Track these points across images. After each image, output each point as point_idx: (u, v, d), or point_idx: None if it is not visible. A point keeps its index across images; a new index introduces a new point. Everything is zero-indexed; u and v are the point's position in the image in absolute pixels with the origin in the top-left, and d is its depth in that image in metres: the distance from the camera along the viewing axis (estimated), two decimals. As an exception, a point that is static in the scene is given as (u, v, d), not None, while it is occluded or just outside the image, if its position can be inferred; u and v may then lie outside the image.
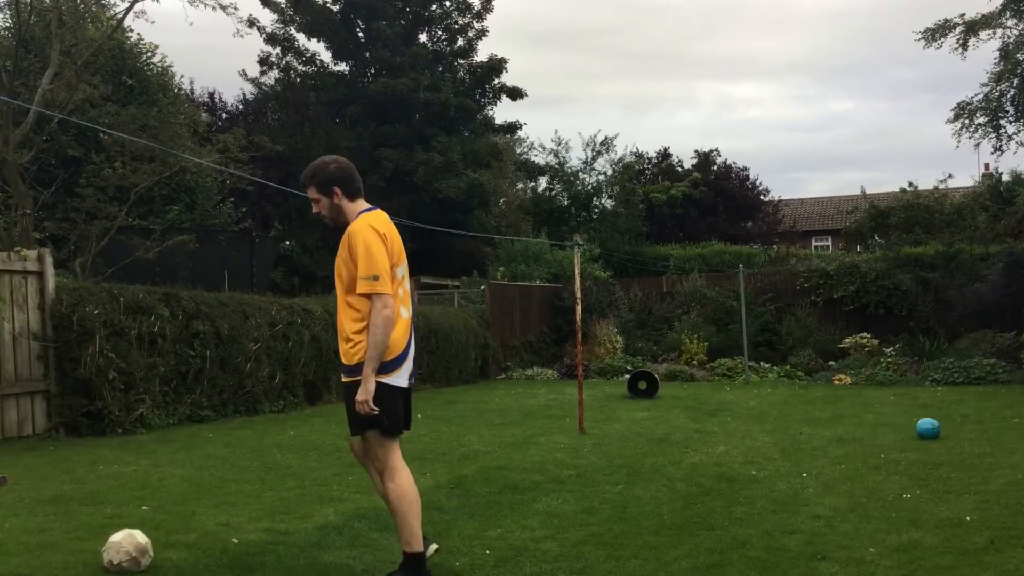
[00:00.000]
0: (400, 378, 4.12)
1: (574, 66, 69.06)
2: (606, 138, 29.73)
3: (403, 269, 4.18)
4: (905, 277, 18.04)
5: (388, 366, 4.05)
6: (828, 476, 6.84)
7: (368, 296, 3.99)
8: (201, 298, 11.21)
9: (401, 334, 4.10)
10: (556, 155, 29.95)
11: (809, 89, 75.48)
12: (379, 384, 4.03)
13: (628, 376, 14.39)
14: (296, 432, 9.80)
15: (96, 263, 13.46)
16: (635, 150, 33.21)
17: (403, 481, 4.14)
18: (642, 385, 13.54)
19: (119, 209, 14.10)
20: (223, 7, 14.96)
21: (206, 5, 14.78)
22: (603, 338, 18.49)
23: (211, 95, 26.33)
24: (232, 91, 51.25)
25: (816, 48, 75.20)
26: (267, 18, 26.82)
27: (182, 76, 31.11)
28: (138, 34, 19.10)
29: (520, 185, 33.66)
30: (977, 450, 7.91)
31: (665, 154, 34.47)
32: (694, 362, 17.52)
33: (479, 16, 26.62)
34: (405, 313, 4.14)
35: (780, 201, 35.69)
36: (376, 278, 3.97)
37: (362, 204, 4.22)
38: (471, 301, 19.16)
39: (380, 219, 4.14)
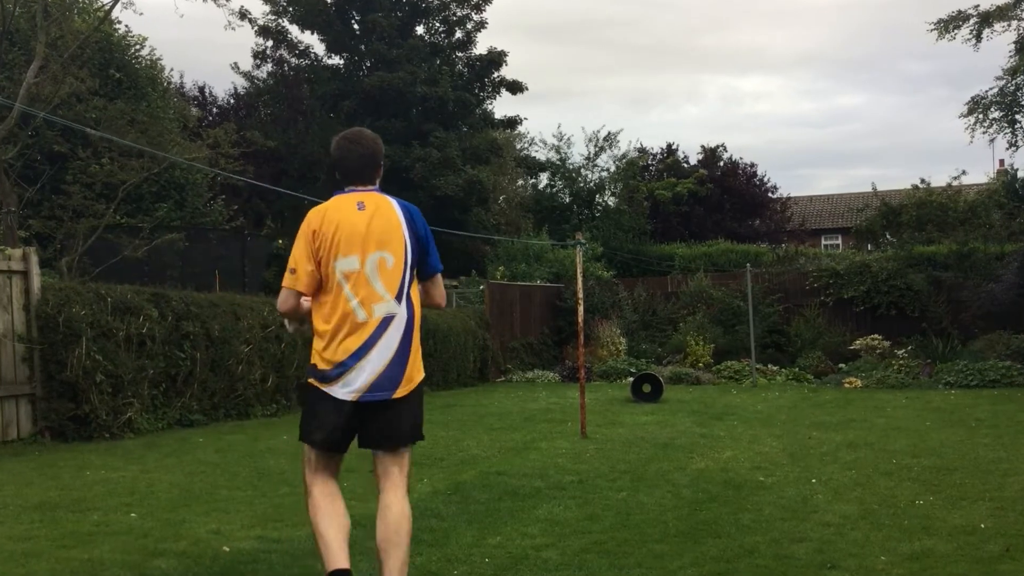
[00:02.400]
0: (341, 389, 3.67)
1: (576, 59, 69.09)
2: (609, 133, 29.75)
3: (353, 261, 3.66)
4: (917, 277, 18.04)
5: (327, 374, 3.68)
6: (838, 482, 6.84)
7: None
8: (191, 298, 11.21)
9: (345, 339, 3.66)
10: (557, 151, 29.96)
11: (818, 83, 75.52)
12: (313, 389, 3.75)
13: (632, 379, 14.39)
14: (289, 437, 9.78)
15: (83, 262, 13.46)
16: (639, 146, 33.23)
17: (313, 495, 3.79)
18: (646, 388, 13.54)
19: (106, 207, 14.10)
20: (214, -2, 14.97)
21: (196, -4, 14.78)
22: (606, 340, 18.49)
23: (201, 89, 26.35)
24: (223, 85, 51.12)
25: (825, 41, 75.25)
26: (259, 10, 26.86)
27: (171, 70, 31.04)
28: (126, 26, 19.13)
29: (520, 182, 33.66)
30: (992, 455, 7.92)
31: (670, 150, 34.48)
32: (700, 364, 17.52)
33: (478, 7, 26.63)
34: (362, 313, 3.65)
35: (789, 198, 35.68)
36: (292, 271, 3.75)
37: (340, 194, 3.83)
38: (470, 302, 19.16)
39: (327, 210, 3.75)
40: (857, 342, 17.39)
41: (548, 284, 20.84)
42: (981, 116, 22.49)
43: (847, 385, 15.23)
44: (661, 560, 4.78)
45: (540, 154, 30.39)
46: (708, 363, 17.54)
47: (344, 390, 3.67)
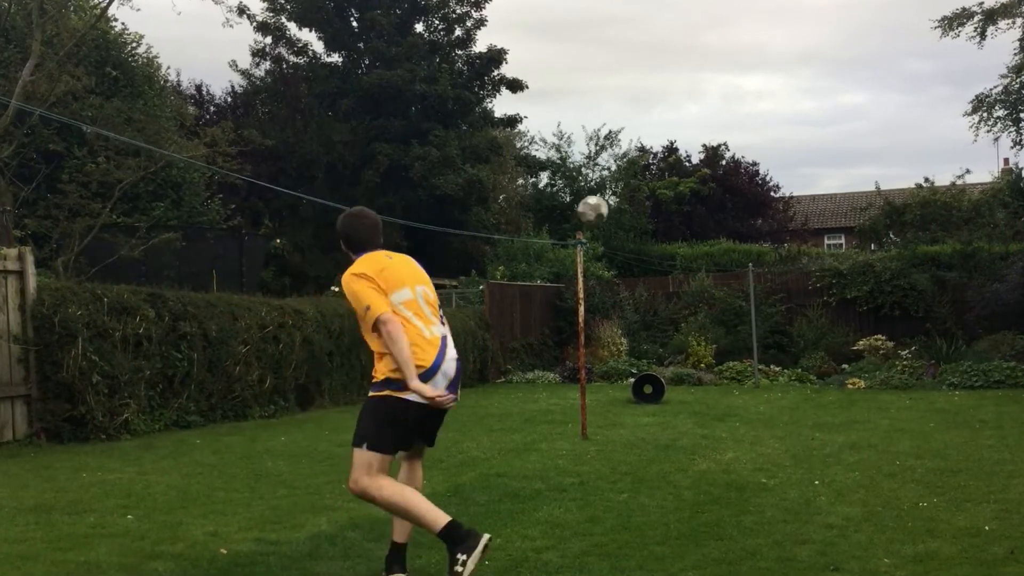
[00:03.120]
0: (414, 395, 4.26)
1: (576, 57, 69.08)
2: (610, 132, 29.77)
3: (407, 292, 4.41)
4: (921, 277, 18.04)
5: (403, 383, 4.25)
6: (841, 484, 6.84)
7: (373, 326, 4.32)
8: (188, 299, 11.21)
9: (422, 350, 4.31)
10: (558, 149, 29.97)
11: (820, 81, 75.55)
12: (389, 397, 4.30)
13: (633, 380, 14.39)
14: (287, 438, 9.80)
15: (79, 262, 13.47)
16: (640, 144, 33.24)
17: (389, 488, 4.33)
18: (647, 389, 13.54)
19: (103, 206, 14.11)
20: (212, -5, 14.96)
21: (194, -8, 14.81)
22: (607, 340, 18.48)
23: (198, 87, 26.37)
24: (220, 83, 51.19)
25: (827, 39, 75.26)
26: (257, 6, 26.85)
27: (168, 68, 31.10)
28: (123, 24, 19.20)
29: (520, 181, 33.67)
30: (996, 457, 7.92)
31: (671, 149, 34.50)
32: (701, 365, 17.51)
33: (477, 5, 26.64)
34: (428, 332, 4.38)
35: (791, 198, 35.70)
36: (368, 308, 4.32)
37: (364, 254, 4.51)
38: (469, 302, 19.16)
39: (365, 261, 4.46)
40: (860, 343, 17.39)
41: (548, 284, 20.84)
42: (985, 114, 22.51)
43: (850, 386, 15.23)
44: (662, 562, 4.78)
45: (540, 153, 30.42)
46: (710, 364, 17.53)
47: (434, 385, 4.29)
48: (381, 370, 4.39)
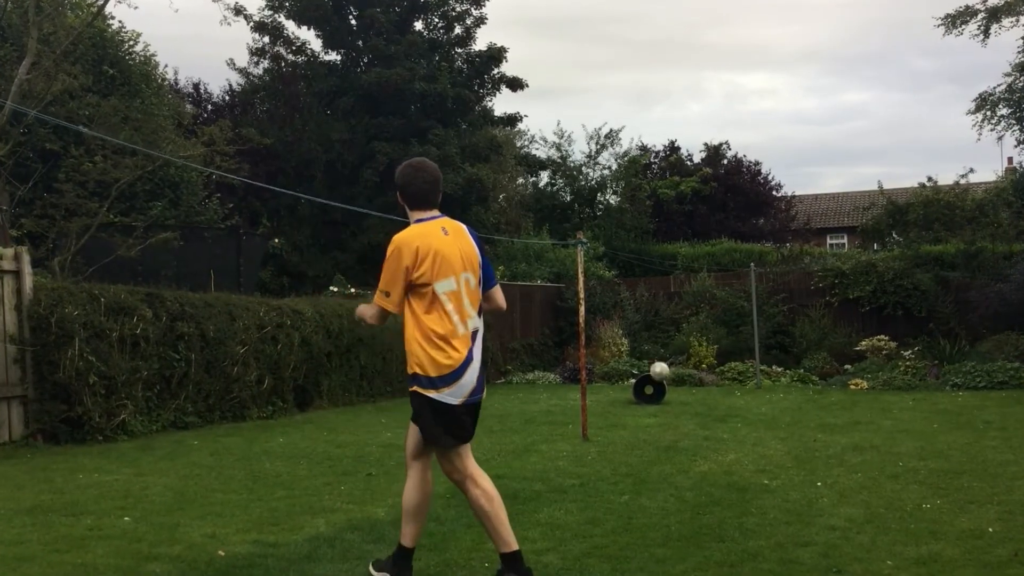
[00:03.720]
0: (449, 395, 4.27)
1: (577, 55, 69.11)
2: (611, 131, 29.75)
3: (452, 283, 4.27)
4: (924, 277, 18.04)
5: (436, 382, 4.26)
6: (844, 485, 6.84)
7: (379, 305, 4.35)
8: (186, 299, 11.21)
9: (453, 351, 4.26)
10: (558, 148, 29.97)
11: (823, 80, 75.61)
12: (422, 396, 4.31)
13: (634, 380, 14.39)
14: (285, 439, 9.80)
15: (76, 262, 13.45)
16: (641, 143, 33.25)
17: (485, 487, 4.41)
18: (648, 390, 13.54)
19: (100, 205, 14.09)
20: (210, -7, 14.97)
21: (192, -10, 14.79)
22: (607, 340, 18.48)
23: (196, 86, 26.33)
24: (218, 82, 51.17)
25: (830, 36, 75.27)
26: (255, 5, 26.83)
27: (166, 66, 31.07)
28: (120, 22, 19.17)
29: (520, 180, 33.66)
30: (1000, 458, 7.92)
31: (673, 147, 34.48)
32: (703, 366, 17.52)
33: (477, 2, 26.60)
34: (462, 328, 4.30)
35: (793, 197, 35.69)
36: (387, 295, 4.31)
37: (425, 214, 4.39)
38: (469, 302, 19.14)
39: (419, 235, 4.30)
40: (863, 343, 17.39)
41: (549, 284, 20.84)
42: (989, 113, 22.52)
43: (853, 387, 15.23)
44: (663, 565, 4.78)
45: (541, 152, 30.39)
46: (711, 364, 17.54)
47: (451, 396, 4.27)
48: (412, 366, 4.35)
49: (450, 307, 4.27)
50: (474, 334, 4.35)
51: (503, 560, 4.36)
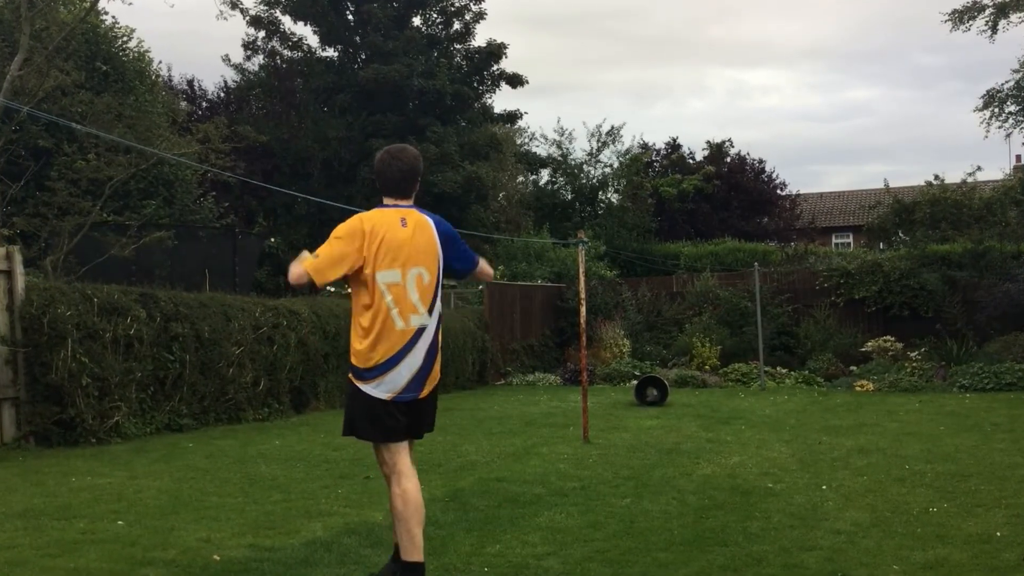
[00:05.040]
0: (376, 388, 4.27)
1: (578, 51, 69.13)
2: (612, 128, 29.77)
3: (396, 275, 4.24)
4: (931, 276, 18.04)
5: (363, 373, 4.29)
6: (849, 488, 6.84)
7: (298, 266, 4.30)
8: (180, 299, 11.21)
9: (383, 344, 4.25)
10: (559, 146, 29.98)
11: (827, 76, 75.63)
12: (353, 385, 4.36)
13: (636, 382, 14.39)
14: (282, 442, 9.80)
15: (68, 261, 13.46)
16: (643, 141, 33.25)
17: (407, 488, 4.32)
18: (651, 392, 13.54)
19: (93, 204, 14.09)
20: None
21: (187, -15, 14.80)
22: (609, 341, 18.49)
23: (190, 82, 26.35)
24: (213, 78, 51.16)
25: (835, 32, 75.29)
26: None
27: (160, 62, 31.12)
28: (113, 17, 19.18)
29: (520, 178, 33.65)
30: (1008, 461, 7.92)
31: (675, 145, 34.51)
32: (706, 367, 17.52)
33: (477, -2, 26.63)
34: (401, 323, 4.25)
35: (798, 195, 35.71)
36: (315, 256, 4.26)
37: (392, 202, 4.40)
38: (468, 302, 19.16)
39: (377, 215, 4.33)
40: (869, 344, 17.39)
41: (549, 284, 20.84)
42: (997, 110, 22.52)
43: (858, 388, 15.23)
44: (666, 569, 4.78)
45: (541, 149, 30.41)
46: (715, 365, 17.54)
47: (378, 390, 4.26)
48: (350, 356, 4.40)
49: (389, 298, 4.23)
50: (419, 331, 4.28)
51: (400, 566, 4.30)
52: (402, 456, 4.38)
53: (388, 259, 4.22)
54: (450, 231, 4.45)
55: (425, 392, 4.37)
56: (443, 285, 4.53)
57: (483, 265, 4.70)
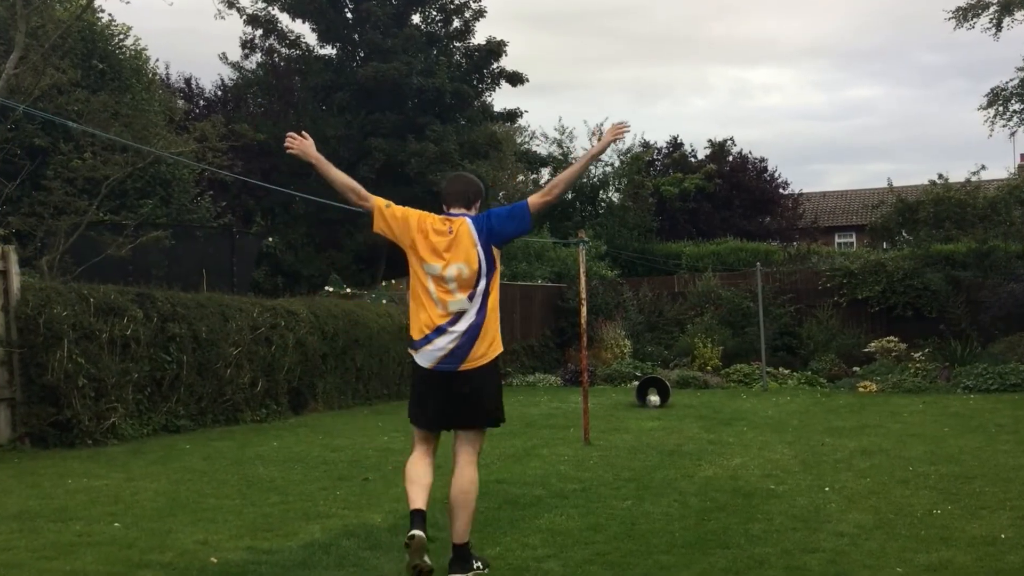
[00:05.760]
0: (420, 357, 4.90)
1: (579, 50, 69.16)
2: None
3: (437, 267, 4.89)
4: (935, 276, 18.04)
5: (413, 343, 4.95)
6: (852, 490, 6.84)
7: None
8: (177, 299, 11.21)
9: (425, 320, 4.90)
10: (559, 145, 29.99)
11: (830, 74, 75.60)
12: (410, 357, 5.02)
13: (637, 383, 14.39)
14: (280, 443, 9.80)
15: (64, 261, 13.45)
16: (644, 140, 33.21)
17: (406, 468, 4.92)
18: (652, 393, 13.53)
19: (89, 203, 14.09)
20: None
21: (184, -17, 14.80)
22: (610, 342, 18.49)
23: (187, 81, 26.34)
24: (210, 76, 51.13)
25: (837, 30, 75.31)
26: (248, -3, 26.75)
27: (157, 60, 31.10)
28: (110, 15, 19.12)
29: (521, 177, 33.64)
30: (1013, 462, 7.92)
31: (676, 144, 34.48)
32: (708, 368, 17.52)
33: (476, -5, 26.61)
34: (440, 309, 4.88)
35: (800, 195, 35.69)
36: (387, 206, 5.04)
37: (449, 210, 5.10)
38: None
39: (436, 218, 5.05)
40: (872, 344, 17.39)
41: (549, 284, 20.84)
42: (1001, 108, 22.52)
43: (861, 389, 15.24)
44: (667, 572, 4.79)
45: (541, 148, 30.40)
46: (716, 366, 17.54)
47: (421, 358, 4.89)
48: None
49: (431, 285, 4.90)
50: (457, 314, 4.85)
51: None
52: (421, 443, 4.94)
53: (432, 254, 4.90)
54: (486, 220, 5.00)
55: (464, 366, 4.83)
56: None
57: (535, 199, 5.11)
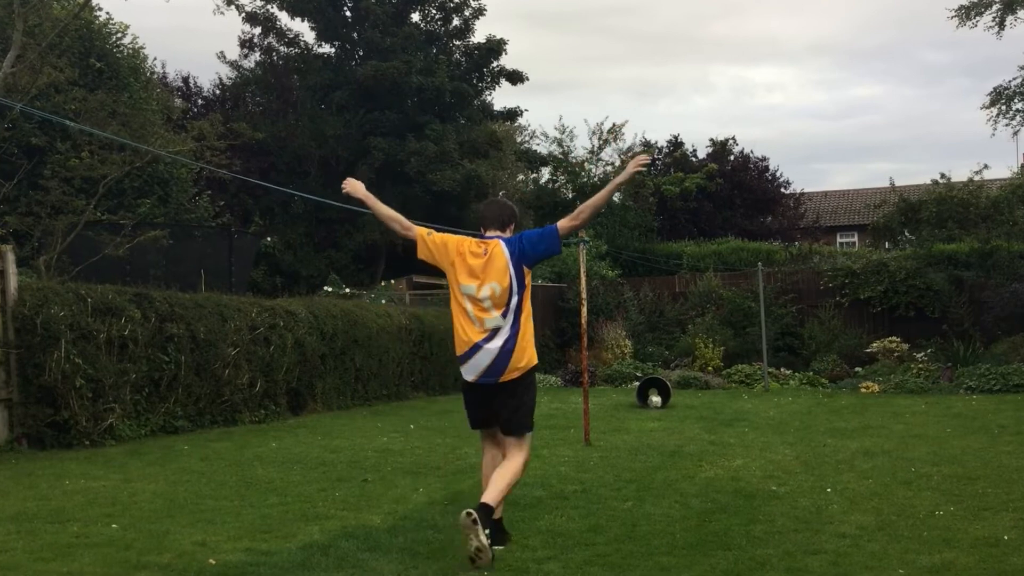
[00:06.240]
0: (465, 372, 5.39)
1: (579, 48, 69.18)
2: (614, 126, 29.71)
3: (473, 288, 5.33)
4: (937, 276, 18.05)
5: (458, 359, 5.44)
6: (854, 491, 6.85)
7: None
8: (175, 299, 11.20)
9: (466, 338, 5.34)
10: (560, 144, 29.93)
11: (832, 73, 75.60)
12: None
13: (637, 383, 14.40)
14: (278, 444, 9.80)
15: (62, 261, 13.46)
16: (645, 139, 33.21)
17: (484, 460, 5.65)
18: (653, 394, 13.54)
19: (87, 202, 14.10)
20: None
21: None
22: (610, 342, 18.49)
23: (185, 79, 26.37)
24: (208, 75, 51.22)
25: (840, 29, 75.32)
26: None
27: (154, 59, 31.11)
28: (107, 13, 19.16)
29: (521, 176, 33.68)
30: (1016, 463, 7.92)
31: (677, 143, 34.47)
32: (709, 368, 17.53)
33: (476, -7, 26.64)
34: (477, 325, 5.33)
35: (802, 194, 35.68)
36: (430, 235, 5.52)
37: (484, 233, 5.56)
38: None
39: (470, 240, 5.50)
40: (874, 345, 17.40)
41: (550, 284, 20.84)
42: (1004, 107, 22.55)
43: (863, 390, 15.24)
44: (668, 573, 4.79)
45: (541, 147, 30.37)
46: (718, 367, 17.55)
47: (466, 373, 5.38)
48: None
49: (468, 305, 5.34)
50: (492, 331, 5.30)
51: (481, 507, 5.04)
52: (486, 440, 5.62)
53: (468, 275, 5.34)
54: (518, 242, 5.42)
55: (504, 378, 5.30)
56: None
57: (563, 223, 5.51)
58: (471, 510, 4.89)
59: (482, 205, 5.89)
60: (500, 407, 5.38)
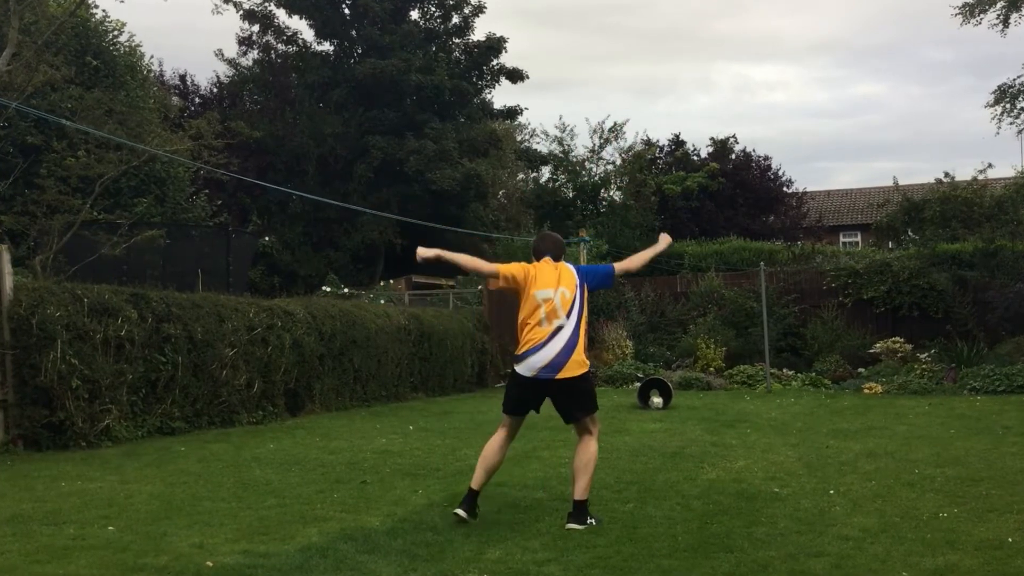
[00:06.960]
0: (521, 368, 6.13)
1: (580, 46, 69.18)
2: (615, 124, 29.71)
3: (549, 292, 6.17)
4: (941, 276, 18.04)
5: (517, 357, 6.21)
6: (857, 493, 6.85)
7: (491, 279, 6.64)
8: (172, 299, 11.21)
9: (533, 337, 6.11)
10: (560, 143, 29.93)
11: (835, 71, 75.62)
12: (512, 369, 6.34)
13: (639, 384, 14.39)
14: (276, 445, 9.81)
15: (58, 261, 13.46)
16: (646, 137, 33.20)
17: (489, 442, 6.26)
18: (654, 394, 13.54)
19: (83, 202, 14.11)
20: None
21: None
22: (611, 343, 18.49)
23: (182, 78, 26.38)
24: (205, 73, 51.27)
25: (842, 26, 75.32)
26: (245, -7, 26.76)
27: (151, 57, 31.10)
28: (104, 11, 19.17)
29: (521, 176, 33.67)
30: (1020, 465, 7.92)
31: (679, 142, 34.45)
32: (711, 369, 17.52)
33: (476, -10, 26.64)
34: (546, 325, 6.10)
35: (805, 193, 35.66)
36: (505, 279, 6.34)
37: (541, 259, 6.42)
38: (467, 302, 19.16)
39: (535, 265, 6.39)
40: (877, 345, 17.39)
41: (550, 284, 20.80)
42: (1008, 106, 22.53)
43: (867, 391, 15.24)
44: (670, 576, 4.79)
45: (542, 146, 30.39)
46: (719, 367, 17.54)
47: (522, 368, 6.12)
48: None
49: (542, 308, 6.13)
50: (557, 329, 6.06)
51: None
52: (507, 426, 6.26)
53: (542, 283, 6.18)
54: (584, 270, 6.45)
55: (561, 375, 6.00)
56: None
57: (620, 266, 6.66)
58: (574, 524, 5.84)
59: (537, 239, 6.70)
60: (562, 402, 6.11)
